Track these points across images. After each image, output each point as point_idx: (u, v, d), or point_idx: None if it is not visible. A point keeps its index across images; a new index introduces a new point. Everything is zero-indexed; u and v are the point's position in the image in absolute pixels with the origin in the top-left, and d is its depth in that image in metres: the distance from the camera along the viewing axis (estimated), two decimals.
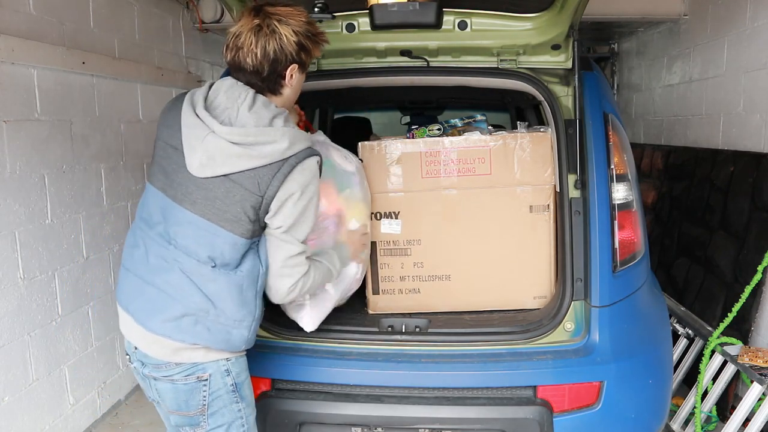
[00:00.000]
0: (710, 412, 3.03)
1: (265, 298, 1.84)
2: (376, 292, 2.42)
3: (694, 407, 2.98)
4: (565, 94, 2.31)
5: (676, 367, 3.23)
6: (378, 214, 2.37)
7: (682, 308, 3.47)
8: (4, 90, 2.69)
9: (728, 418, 2.84)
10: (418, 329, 2.22)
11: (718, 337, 3.02)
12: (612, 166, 2.19)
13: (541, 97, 2.32)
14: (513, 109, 4.00)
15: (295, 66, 1.76)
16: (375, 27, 2.32)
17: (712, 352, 3.03)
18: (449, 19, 2.34)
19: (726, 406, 3.08)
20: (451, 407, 2.06)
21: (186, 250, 1.70)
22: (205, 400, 1.74)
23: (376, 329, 2.24)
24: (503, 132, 2.43)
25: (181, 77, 4.41)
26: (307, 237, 1.79)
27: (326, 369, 2.13)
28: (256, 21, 1.70)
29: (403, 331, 2.21)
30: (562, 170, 2.24)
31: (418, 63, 2.46)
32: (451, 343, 2.18)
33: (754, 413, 2.71)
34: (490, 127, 2.57)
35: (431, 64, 2.45)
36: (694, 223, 3.86)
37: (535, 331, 2.14)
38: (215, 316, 1.69)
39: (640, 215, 2.26)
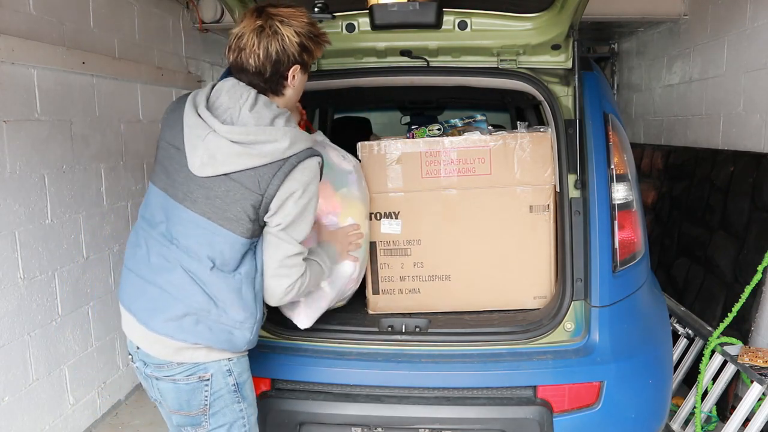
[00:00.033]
0: (710, 412, 3.03)
1: None
2: (376, 292, 2.42)
3: (694, 407, 2.98)
4: (565, 94, 2.32)
5: (676, 367, 3.23)
6: (378, 214, 2.37)
7: (682, 308, 3.47)
8: (4, 90, 2.69)
9: (728, 418, 2.84)
10: (418, 329, 2.22)
11: (718, 337, 3.02)
12: (612, 166, 2.19)
13: (541, 97, 2.32)
14: (513, 109, 4.00)
15: (297, 67, 1.77)
16: (375, 27, 2.32)
17: (712, 352, 3.03)
18: (449, 19, 2.34)
19: (726, 406, 3.08)
20: (451, 407, 2.06)
21: (187, 249, 1.70)
22: (206, 400, 1.74)
23: (376, 329, 2.24)
24: (503, 132, 2.43)
25: (181, 77, 4.41)
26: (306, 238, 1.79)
27: (326, 369, 2.14)
28: (259, 22, 1.70)
29: (403, 331, 2.21)
30: (562, 170, 2.24)
31: (418, 63, 2.46)
32: (451, 343, 2.18)
33: (754, 413, 2.71)
34: (490, 127, 2.57)
35: (431, 64, 2.45)
36: (694, 223, 3.86)
37: (535, 331, 2.14)
38: (217, 316, 1.69)
39: (640, 215, 2.26)
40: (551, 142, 2.31)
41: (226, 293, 1.70)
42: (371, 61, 2.49)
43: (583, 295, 2.14)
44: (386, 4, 2.27)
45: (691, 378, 3.22)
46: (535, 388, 2.06)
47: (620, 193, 2.20)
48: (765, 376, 2.68)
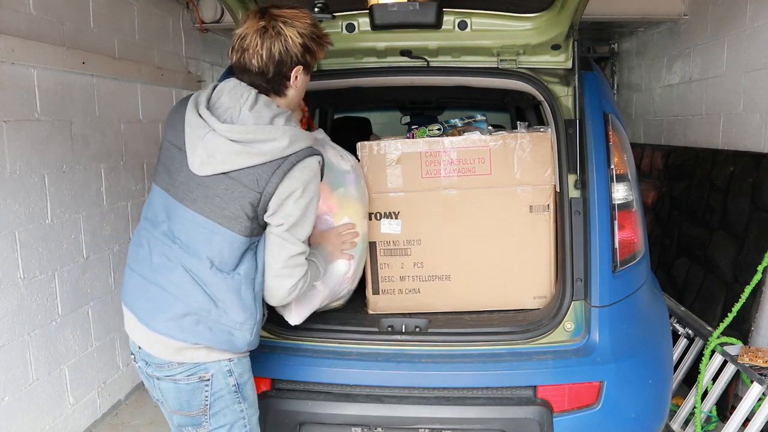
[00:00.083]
0: (710, 412, 3.03)
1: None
2: (376, 292, 2.42)
3: (694, 407, 2.98)
4: (565, 94, 2.32)
5: (676, 367, 3.23)
6: (378, 214, 2.37)
7: (682, 308, 3.47)
8: (4, 90, 2.69)
9: (728, 418, 2.84)
10: (418, 329, 2.22)
11: (718, 337, 3.02)
12: (612, 166, 2.19)
13: (541, 97, 2.32)
14: (513, 109, 4.00)
15: (299, 68, 1.77)
16: (375, 27, 2.32)
17: (712, 352, 3.03)
18: (449, 19, 2.34)
19: (726, 406, 3.08)
20: (451, 407, 2.06)
21: (188, 248, 1.70)
22: (207, 401, 1.74)
23: (376, 329, 2.24)
24: (503, 132, 2.43)
25: (181, 77, 4.41)
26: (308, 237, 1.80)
27: (326, 369, 2.13)
28: (262, 23, 1.71)
29: (403, 331, 2.21)
30: (562, 170, 2.24)
31: (418, 63, 2.46)
32: (451, 343, 2.18)
33: (754, 413, 2.71)
34: (490, 127, 2.57)
35: (431, 64, 2.45)
36: (694, 223, 3.86)
37: (535, 331, 2.14)
38: (217, 316, 1.70)
39: (640, 215, 2.26)
40: (551, 142, 2.31)
41: (226, 294, 1.70)
42: (371, 61, 2.49)
43: (583, 295, 2.14)
44: (386, 4, 2.27)
45: (691, 378, 3.22)
46: (535, 388, 2.06)
47: (620, 193, 2.20)
48: (765, 376, 2.68)
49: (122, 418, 3.53)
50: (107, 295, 3.49)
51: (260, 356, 2.03)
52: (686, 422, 3.08)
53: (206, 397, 1.74)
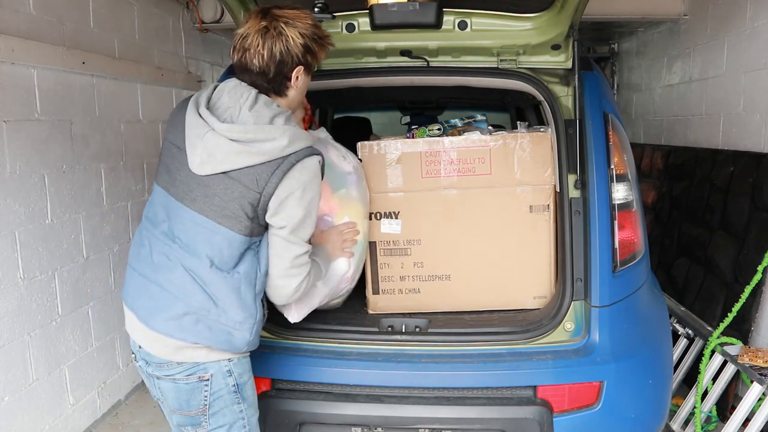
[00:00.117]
0: (710, 412, 3.03)
1: (267, 299, 1.85)
2: (376, 291, 2.42)
3: (694, 407, 2.98)
4: (565, 94, 2.32)
5: (676, 367, 3.23)
6: (378, 214, 2.37)
7: (682, 308, 3.47)
8: (4, 90, 2.69)
9: (728, 418, 2.84)
10: (418, 329, 2.22)
11: (718, 337, 3.02)
12: (612, 166, 2.19)
13: (541, 97, 2.32)
14: (513, 109, 4.00)
15: (301, 68, 1.78)
16: (375, 27, 2.32)
17: (712, 352, 3.03)
18: (449, 19, 2.34)
19: (726, 406, 3.08)
20: (451, 407, 2.06)
21: (188, 248, 1.71)
22: (206, 400, 1.74)
23: (376, 329, 2.24)
24: (503, 132, 2.43)
25: (181, 77, 4.41)
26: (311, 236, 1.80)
27: (326, 369, 2.13)
28: (263, 23, 1.72)
29: (403, 331, 2.21)
30: (562, 170, 2.24)
31: (418, 63, 2.46)
32: (451, 343, 2.18)
33: (754, 413, 2.71)
34: (490, 127, 2.57)
35: (431, 64, 2.45)
36: (694, 223, 3.86)
37: (535, 331, 2.14)
38: (216, 315, 1.70)
39: (640, 215, 2.26)
40: (551, 142, 2.31)
41: (226, 293, 1.70)
42: (371, 61, 2.49)
43: (583, 295, 2.14)
44: (386, 4, 2.27)
45: (691, 378, 3.22)
46: (535, 388, 2.06)
47: (620, 193, 2.20)
48: (765, 376, 2.68)
49: (122, 418, 3.53)
50: (107, 295, 3.49)
51: (260, 356, 2.03)
52: (686, 422, 3.07)
53: (205, 396, 1.74)
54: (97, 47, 3.38)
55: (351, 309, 2.42)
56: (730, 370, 2.94)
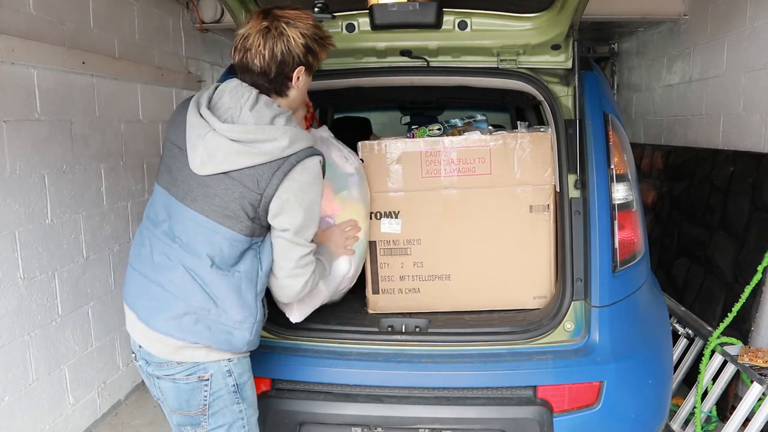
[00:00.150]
0: (710, 412, 3.03)
1: (268, 299, 1.85)
2: (376, 291, 2.42)
3: (694, 407, 2.98)
4: (565, 94, 2.32)
5: (676, 367, 3.23)
6: (378, 214, 2.37)
7: (682, 308, 3.47)
8: (4, 90, 2.69)
9: (728, 418, 2.84)
10: (418, 329, 2.21)
11: (718, 337, 3.02)
12: (612, 166, 2.19)
13: (541, 97, 2.32)
14: (513, 109, 4.00)
15: (302, 68, 1.78)
16: (375, 27, 2.32)
17: (712, 352, 3.03)
18: (449, 19, 2.34)
19: (726, 406, 3.08)
20: (451, 407, 2.06)
21: (188, 248, 1.71)
22: (206, 400, 1.74)
23: (376, 329, 2.24)
24: (503, 132, 2.43)
25: (181, 77, 4.41)
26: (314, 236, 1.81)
27: (326, 369, 2.13)
28: (265, 23, 1.72)
29: (403, 331, 2.21)
30: (562, 170, 2.24)
31: (418, 63, 2.46)
32: (451, 343, 2.17)
33: (754, 413, 2.71)
34: (490, 127, 2.57)
35: (431, 64, 2.45)
36: (694, 223, 3.86)
37: (535, 331, 2.14)
38: (216, 315, 1.70)
39: (640, 215, 2.26)
40: (551, 142, 2.31)
41: (226, 292, 1.70)
42: (371, 61, 2.48)
43: (583, 295, 2.14)
44: (386, 4, 2.27)
45: (691, 378, 3.22)
46: (535, 388, 2.06)
47: (620, 193, 2.20)
48: (765, 376, 2.68)
49: (122, 418, 3.53)
50: (107, 295, 3.49)
51: (260, 356, 2.03)
52: (686, 422, 3.07)
53: (205, 396, 1.74)
54: (97, 47, 3.38)
55: (351, 309, 2.42)
56: (730, 370, 2.94)
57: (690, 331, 3.29)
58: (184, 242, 1.71)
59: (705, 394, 3.02)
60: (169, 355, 1.71)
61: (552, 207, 2.32)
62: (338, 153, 2.24)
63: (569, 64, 2.36)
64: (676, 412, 3.12)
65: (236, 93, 1.74)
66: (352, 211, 2.21)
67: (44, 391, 2.97)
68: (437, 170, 2.35)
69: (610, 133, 2.22)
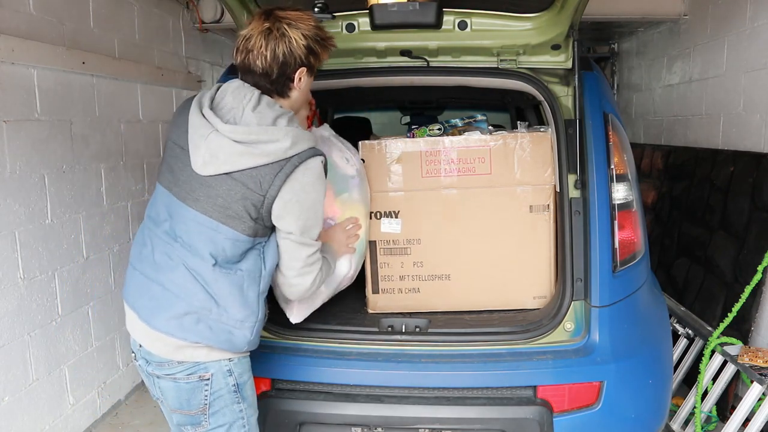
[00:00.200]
0: (710, 412, 3.03)
1: (269, 299, 1.85)
2: (375, 291, 2.42)
3: (694, 407, 2.98)
4: (565, 94, 2.32)
5: (676, 367, 3.23)
6: (378, 214, 2.37)
7: (682, 308, 3.47)
8: (4, 90, 2.69)
9: (728, 418, 2.84)
10: (418, 329, 2.22)
11: (718, 337, 3.02)
12: (612, 166, 2.19)
13: (541, 97, 2.32)
14: (513, 109, 4.00)
15: (303, 69, 1.78)
16: (375, 27, 2.32)
17: (712, 352, 3.03)
18: (449, 19, 2.34)
19: (726, 406, 3.08)
20: (451, 407, 2.06)
21: (190, 247, 1.71)
22: (206, 400, 1.74)
23: (376, 329, 2.24)
24: (503, 132, 2.43)
25: (181, 77, 4.41)
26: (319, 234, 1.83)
27: (326, 369, 2.14)
28: (267, 24, 1.72)
29: (403, 331, 2.21)
30: (562, 170, 2.24)
31: (418, 63, 2.46)
32: (451, 343, 2.18)
33: (754, 413, 2.71)
34: (490, 127, 2.57)
35: (431, 64, 2.45)
36: (694, 223, 3.86)
37: (535, 331, 2.14)
38: (217, 315, 1.70)
39: (640, 215, 2.26)
40: (551, 142, 2.31)
41: (228, 291, 1.71)
42: (371, 61, 2.49)
43: (583, 295, 2.14)
44: (386, 4, 2.27)
45: (691, 378, 3.22)
46: (535, 388, 2.06)
47: (620, 193, 2.20)
48: (765, 376, 2.68)
49: (122, 418, 3.53)
50: (107, 295, 3.49)
51: (260, 356, 2.03)
52: (686, 422, 3.07)
53: (206, 396, 1.74)
54: (97, 47, 3.38)
55: (351, 309, 2.42)
56: (730, 370, 2.94)
57: (690, 331, 3.29)
58: (186, 242, 1.71)
59: (705, 394, 3.02)
60: (170, 354, 1.71)
61: (552, 207, 2.32)
62: (339, 154, 2.24)
63: (569, 64, 2.36)
64: (676, 412, 3.12)
65: (239, 94, 1.74)
66: (352, 214, 2.21)
67: (44, 391, 2.97)
68: (437, 170, 2.35)
69: (610, 133, 2.22)
